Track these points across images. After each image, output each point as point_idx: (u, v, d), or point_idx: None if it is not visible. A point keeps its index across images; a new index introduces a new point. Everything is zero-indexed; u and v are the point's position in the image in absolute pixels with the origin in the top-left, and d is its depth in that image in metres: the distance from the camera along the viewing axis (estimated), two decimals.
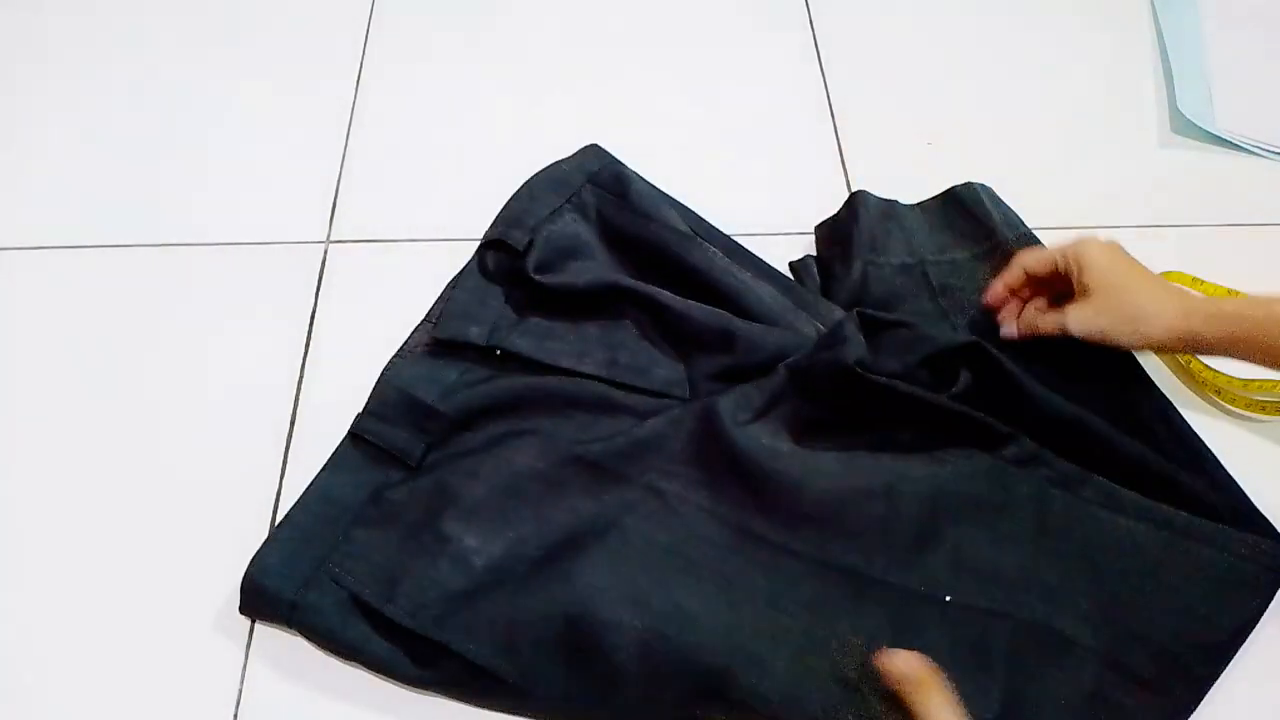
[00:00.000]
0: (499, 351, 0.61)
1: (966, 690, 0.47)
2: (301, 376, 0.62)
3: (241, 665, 0.52)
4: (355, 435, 0.58)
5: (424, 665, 0.51)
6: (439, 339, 0.62)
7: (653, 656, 0.50)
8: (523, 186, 0.68)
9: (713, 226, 0.69)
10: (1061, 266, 0.59)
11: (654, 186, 0.70)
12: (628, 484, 0.56)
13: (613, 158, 0.71)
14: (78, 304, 0.65)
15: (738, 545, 0.54)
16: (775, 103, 0.78)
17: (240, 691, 0.51)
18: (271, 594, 0.52)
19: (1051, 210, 0.69)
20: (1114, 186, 0.74)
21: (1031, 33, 0.85)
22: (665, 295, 0.62)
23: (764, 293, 0.64)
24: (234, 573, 0.54)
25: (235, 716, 0.50)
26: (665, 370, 0.62)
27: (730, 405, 0.57)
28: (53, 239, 0.69)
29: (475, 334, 0.61)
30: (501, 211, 0.67)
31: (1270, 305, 0.54)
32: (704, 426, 0.57)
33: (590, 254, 0.66)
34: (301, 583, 0.52)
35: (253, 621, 0.53)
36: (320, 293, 0.66)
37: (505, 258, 0.65)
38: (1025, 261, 0.61)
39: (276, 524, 0.55)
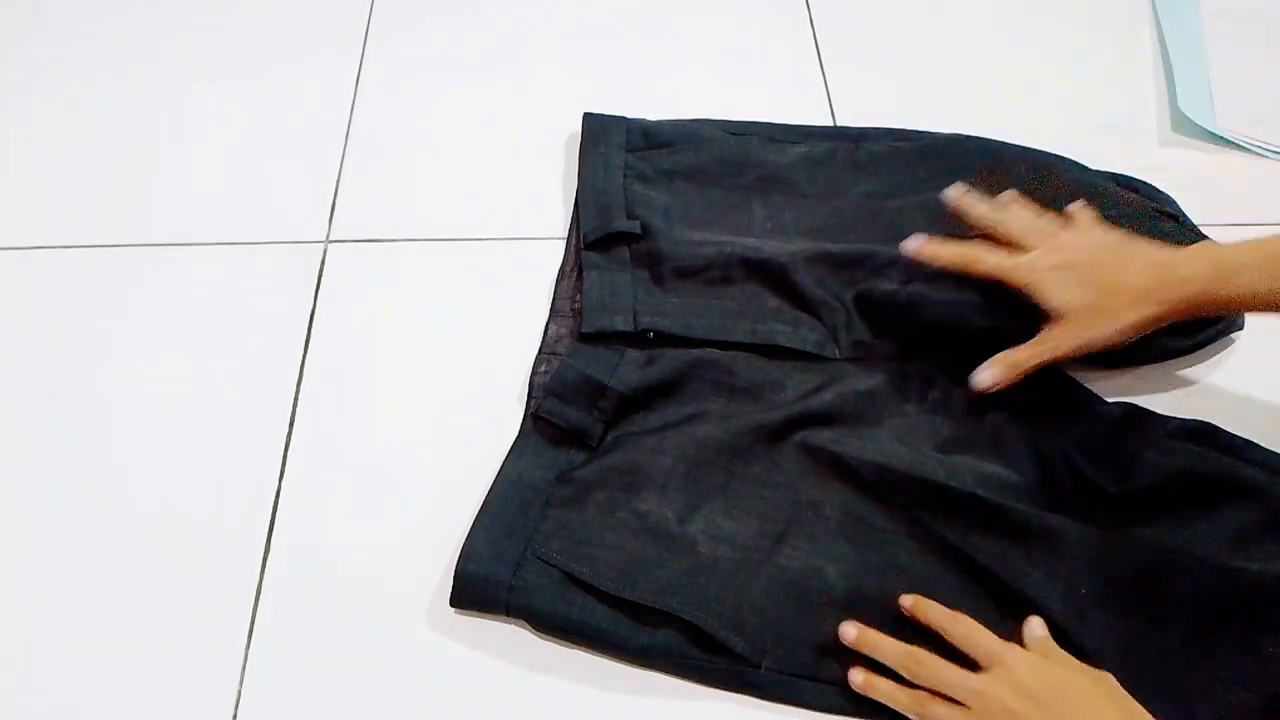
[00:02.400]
0: (651, 335, 0.62)
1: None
2: (301, 376, 0.62)
3: (241, 667, 0.52)
4: (537, 417, 0.59)
5: (652, 634, 0.51)
6: (587, 333, 0.62)
7: (880, 629, 0.51)
8: (583, 185, 0.70)
9: (745, 121, 0.74)
10: (1014, 286, 0.58)
11: (678, 121, 0.74)
12: (805, 453, 0.57)
13: (617, 117, 0.74)
14: (76, 304, 0.65)
15: (929, 501, 0.55)
16: (777, 105, 0.78)
17: (239, 695, 0.51)
18: (486, 580, 0.52)
19: None
20: None
21: (1032, 32, 0.85)
22: (778, 256, 0.65)
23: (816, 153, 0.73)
24: (234, 573, 0.54)
25: (241, 686, 0.50)
26: (806, 330, 0.63)
27: (886, 384, 0.61)
28: (48, 239, 0.69)
29: (620, 322, 0.63)
30: (583, 211, 0.69)
31: (1220, 255, 0.55)
32: (868, 403, 0.60)
33: (682, 209, 0.69)
34: (513, 566, 0.52)
35: (252, 623, 0.53)
36: (320, 293, 0.66)
37: (617, 245, 0.67)
38: (979, 266, 0.59)
39: (476, 514, 0.55)
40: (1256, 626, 0.51)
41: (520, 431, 0.59)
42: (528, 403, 0.61)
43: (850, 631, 0.51)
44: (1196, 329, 0.63)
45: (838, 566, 0.54)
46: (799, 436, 0.58)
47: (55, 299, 0.66)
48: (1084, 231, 0.60)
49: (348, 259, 0.68)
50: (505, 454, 0.58)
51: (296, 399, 0.61)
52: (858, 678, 0.50)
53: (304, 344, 0.64)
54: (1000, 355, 0.58)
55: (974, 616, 0.51)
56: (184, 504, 0.57)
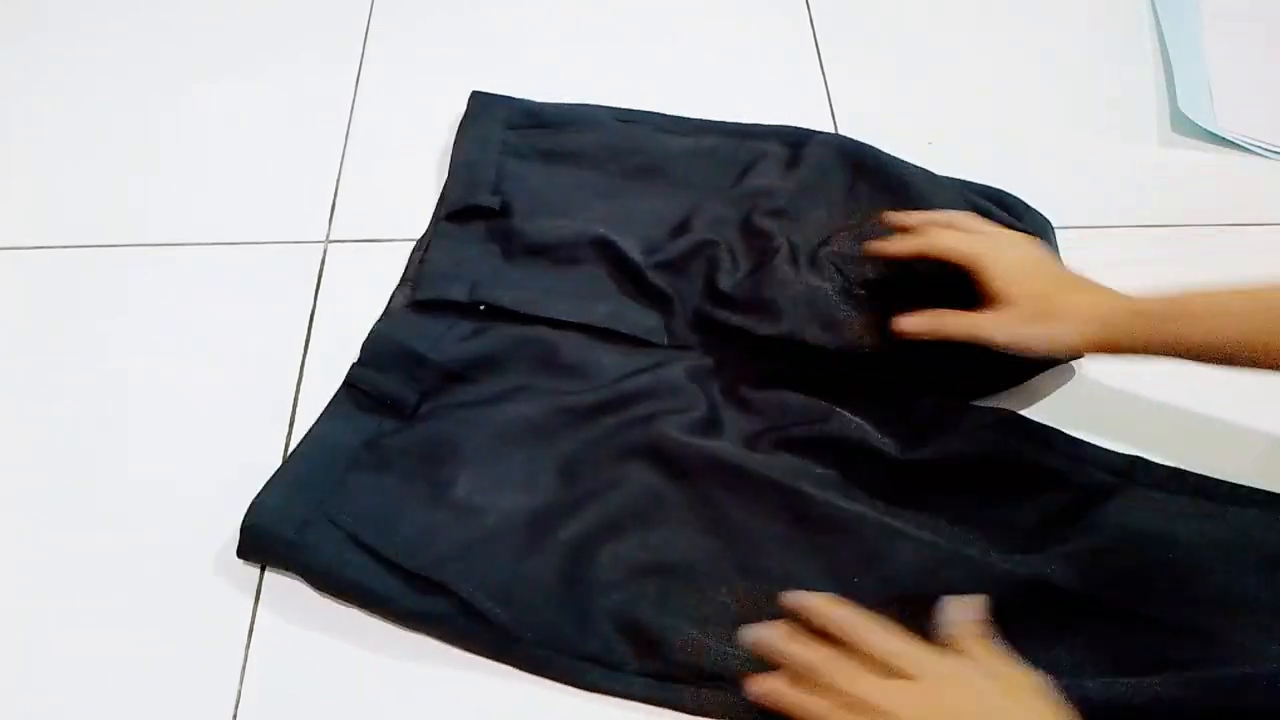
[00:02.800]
0: (482, 306, 0.63)
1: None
2: (301, 376, 0.62)
3: (241, 667, 0.52)
4: (350, 385, 0.59)
5: (421, 600, 0.51)
6: (421, 300, 0.63)
7: (643, 610, 0.51)
8: (456, 158, 0.71)
9: (637, 110, 0.75)
10: (969, 262, 0.54)
11: (562, 104, 0.75)
12: (618, 433, 0.58)
13: (505, 97, 0.75)
14: (76, 304, 0.65)
15: (729, 484, 0.56)
16: (777, 104, 0.78)
17: (239, 695, 0.51)
18: (269, 534, 0.53)
19: (1052, 209, 0.69)
20: (1114, 185, 0.74)
21: (1032, 32, 0.85)
22: (629, 244, 0.65)
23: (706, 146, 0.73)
24: (235, 574, 0.54)
25: (241, 686, 0.51)
26: (640, 317, 0.64)
27: (710, 368, 0.62)
28: (48, 239, 0.69)
29: (457, 292, 0.63)
30: (450, 183, 0.70)
31: (1189, 302, 0.50)
32: (688, 386, 0.60)
33: (552, 190, 0.69)
34: (299, 524, 0.53)
35: (252, 623, 0.53)
36: (320, 292, 0.66)
37: (476, 219, 0.67)
38: (936, 244, 0.56)
39: (274, 471, 0.55)
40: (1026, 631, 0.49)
41: (334, 397, 0.59)
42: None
43: (751, 635, 0.46)
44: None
45: (617, 545, 0.54)
46: (612, 417, 0.58)
47: (55, 299, 0.66)
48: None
49: (348, 259, 0.68)
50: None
51: (296, 399, 0.61)
52: (760, 687, 0.44)
53: (304, 344, 0.64)
54: (933, 311, 0.55)
55: (739, 597, 0.52)
56: (184, 504, 0.57)
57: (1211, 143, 0.77)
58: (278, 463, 0.58)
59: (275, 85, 0.79)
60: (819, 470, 0.57)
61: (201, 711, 0.50)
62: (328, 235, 0.70)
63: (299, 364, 0.63)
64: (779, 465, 0.57)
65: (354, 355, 0.63)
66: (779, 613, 0.49)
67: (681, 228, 0.68)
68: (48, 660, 0.52)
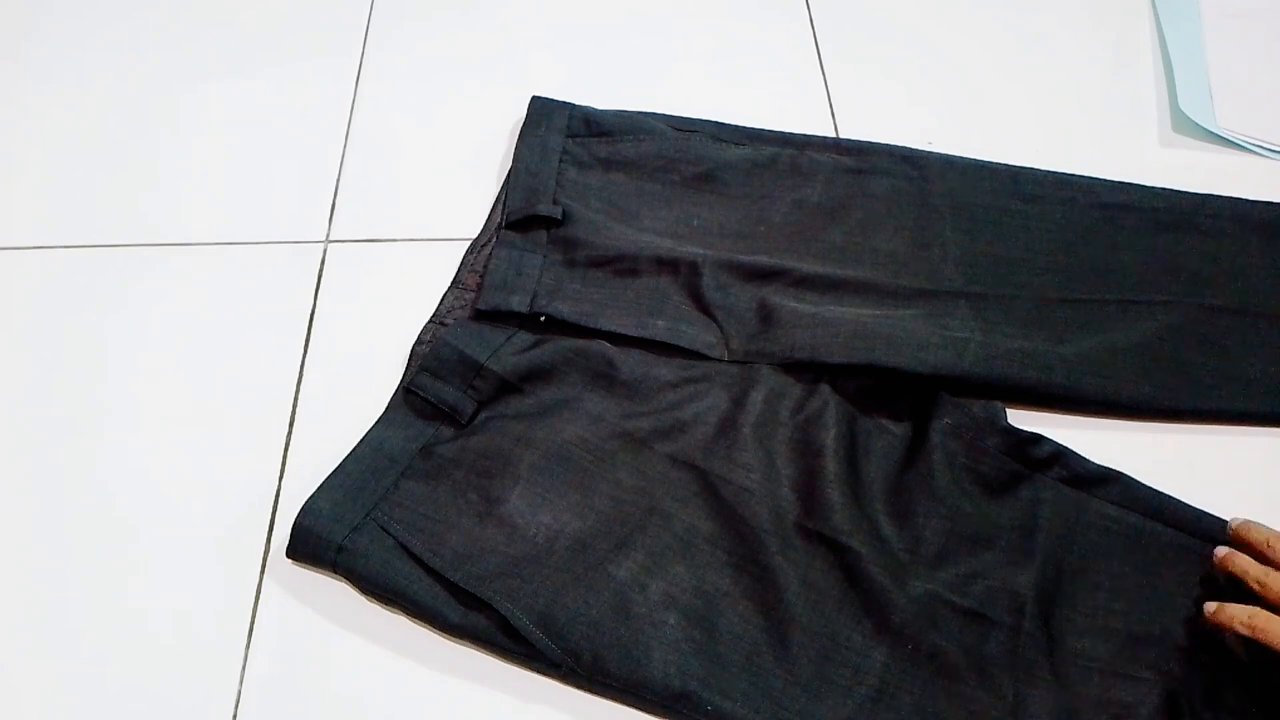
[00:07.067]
0: (542, 318, 0.63)
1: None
2: (301, 376, 0.62)
3: (241, 667, 0.52)
4: (409, 390, 0.59)
5: (465, 614, 0.51)
6: (482, 310, 0.63)
7: (684, 653, 0.51)
8: (516, 165, 0.71)
9: (692, 118, 0.74)
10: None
11: (621, 111, 0.74)
12: (671, 464, 0.57)
13: (564, 103, 0.74)
14: (76, 304, 0.66)
15: (774, 529, 0.55)
16: (777, 104, 0.78)
17: (239, 695, 0.51)
18: (319, 537, 0.53)
19: None
20: None
21: (1032, 32, 0.85)
22: (690, 255, 0.65)
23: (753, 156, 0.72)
24: (235, 573, 0.54)
25: (241, 685, 0.50)
26: (699, 330, 0.63)
27: (766, 396, 0.60)
28: (49, 239, 0.69)
29: (517, 303, 0.63)
30: (511, 190, 0.69)
31: None
32: (742, 415, 0.59)
33: (612, 199, 0.69)
34: (350, 528, 0.53)
35: (252, 623, 0.53)
36: (320, 292, 0.66)
37: (537, 227, 0.67)
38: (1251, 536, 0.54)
39: (329, 473, 0.56)
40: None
41: (391, 401, 0.60)
42: (405, 370, 0.61)
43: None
44: None
45: (663, 584, 0.53)
46: (669, 446, 0.58)
47: (55, 299, 0.66)
48: None
49: (348, 259, 0.68)
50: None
51: (296, 399, 0.61)
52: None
53: (304, 344, 0.64)
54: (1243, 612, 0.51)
55: (776, 657, 0.51)
56: (184, 504, 0.57)
57: (1211, 143, 0.77)
58: (278, 462, 0.58)
59: (275, 85, 0.79)
60: (869, 528, 0.55)
61: (202, 710, 0.50)
62: (328, 235, 0.70)
63: (299, 364, 0.63)
64: (832, 521, 0.55)
65: (354, 355, 0.63)
66: (830, 669, 0.51)
67: (743, 240, 0.68)
68: (47, 658, 0.52)
